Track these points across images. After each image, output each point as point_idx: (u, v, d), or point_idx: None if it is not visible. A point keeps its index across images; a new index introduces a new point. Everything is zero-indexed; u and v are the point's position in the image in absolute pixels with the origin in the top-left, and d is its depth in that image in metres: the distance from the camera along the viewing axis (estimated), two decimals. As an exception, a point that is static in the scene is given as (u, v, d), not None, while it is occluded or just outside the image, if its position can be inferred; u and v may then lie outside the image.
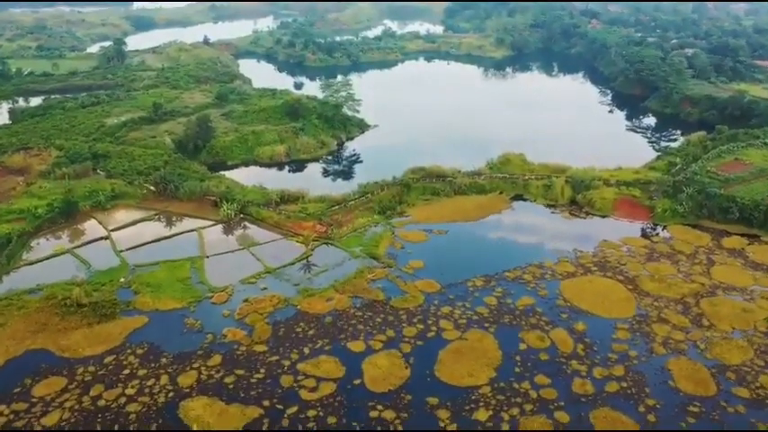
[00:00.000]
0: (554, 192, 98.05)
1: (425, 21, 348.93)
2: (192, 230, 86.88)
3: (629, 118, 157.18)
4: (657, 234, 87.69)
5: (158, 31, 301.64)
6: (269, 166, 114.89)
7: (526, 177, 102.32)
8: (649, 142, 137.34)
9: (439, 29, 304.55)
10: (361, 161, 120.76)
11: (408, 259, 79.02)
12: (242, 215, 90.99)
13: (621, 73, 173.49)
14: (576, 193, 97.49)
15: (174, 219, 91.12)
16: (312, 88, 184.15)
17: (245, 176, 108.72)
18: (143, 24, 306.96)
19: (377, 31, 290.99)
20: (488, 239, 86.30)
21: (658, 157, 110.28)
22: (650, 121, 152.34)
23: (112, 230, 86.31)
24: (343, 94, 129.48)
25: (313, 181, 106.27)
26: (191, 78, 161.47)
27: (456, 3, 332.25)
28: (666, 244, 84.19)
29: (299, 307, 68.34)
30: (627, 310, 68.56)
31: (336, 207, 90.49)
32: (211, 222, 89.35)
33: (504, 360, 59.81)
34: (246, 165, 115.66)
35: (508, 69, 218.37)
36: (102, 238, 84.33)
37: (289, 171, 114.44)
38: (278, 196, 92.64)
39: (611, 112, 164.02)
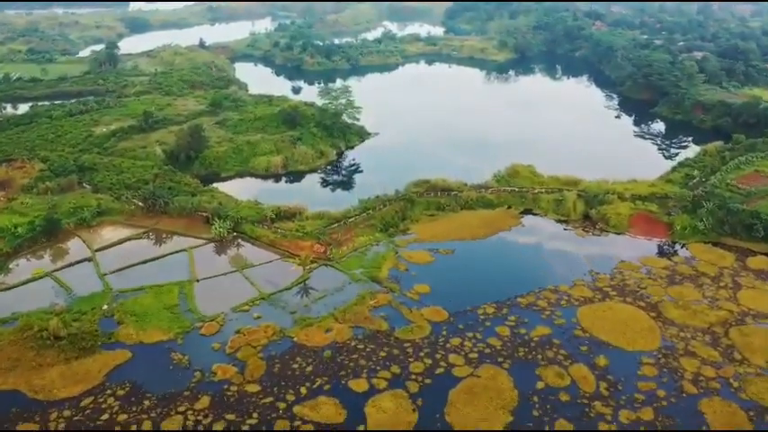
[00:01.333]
0: (566, 206, 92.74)
1: (425, 22, 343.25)
2: (182, 250, 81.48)
3: (637, 124, 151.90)
4: (677, 253, 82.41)
5: (154, 33, 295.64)
6: (265, 177, 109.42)
7: (536, 191, 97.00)
8: (659, 149, 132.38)
9: (439, 30, 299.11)
10: (361, 171, 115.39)
11: (413, 283, 73.69)
12: (235, 233, 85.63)
13: (629, 77, 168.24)
14: (589, 208, 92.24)
15: (163, 237, 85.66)
16: (310, 93, 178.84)
17: (240, 189, 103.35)
18: (138, 26, 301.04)
19: (376, 32, 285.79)
20: (498, 260, 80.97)
21: (674, 169, 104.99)
22: (660, 127, 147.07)
23: (97, 250, 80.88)
24: (343, 101, 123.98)
25: (311, 194, 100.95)
26: (184, 84, 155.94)
27: (457, 4, 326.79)
28: (688, 265, 78.88)
29: (295, 339, 62.99)
30: (651, 341, 63.28)
31: (336, 225, 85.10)
32: (203, 241, 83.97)
33: (521, 401, 54.51)
34: (241, 176, 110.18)
35: (511, 72, 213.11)
36: (85, 260, 78.86)
37: (286, 183, 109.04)
38: (273, 213, 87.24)
39: (618, 117, 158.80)
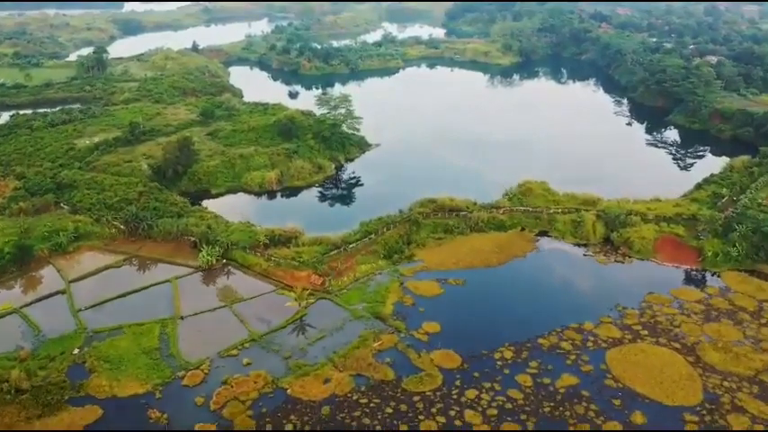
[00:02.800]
0: (584, 229, 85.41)
1: (426, 23, 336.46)
2: (166, 281, 74.01)
3: (650, 132, 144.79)
4: (710, 283, 75.01)
5: (147, 35, 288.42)
6: (258, 194, 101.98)
7: (551, 211, 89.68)
8: (674, 159, 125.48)
9: (440, 32, 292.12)
10: (361, 184, 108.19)
11: (421, 320, 66.30)
12: (225, 260, 78.20)
13: (642, 83, 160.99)
14: (610, 231, 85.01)
15: (146, 265, 78.18)
16: (308, 98, 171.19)
17: (231, 208, 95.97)
18: (131, 28, 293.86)
19: (376, 35, 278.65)
20: (514, 292, 73.48)
21: (699, 186, 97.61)
22: (675, 136, 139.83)
23: (72, 281, 73.40)
24: (342, 111, 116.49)
25: (308, 213, 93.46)
26: (175, 91, 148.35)
27: (457, 5, 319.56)
28: (723, 297, 71.54)
29: (289, 391, 55.58)
30: (692, 393, 55.94)
31: (335, 252, 77.63)
32: (189, 270, 76.49)
33: (551, 473, 47.28)
34: (233, 192, 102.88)
35: (515, 76, 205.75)
36: (58, 293, 71.38)
37: (281, 200, 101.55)
38: (267, 237, 79.74)
39: (629, 124, 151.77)
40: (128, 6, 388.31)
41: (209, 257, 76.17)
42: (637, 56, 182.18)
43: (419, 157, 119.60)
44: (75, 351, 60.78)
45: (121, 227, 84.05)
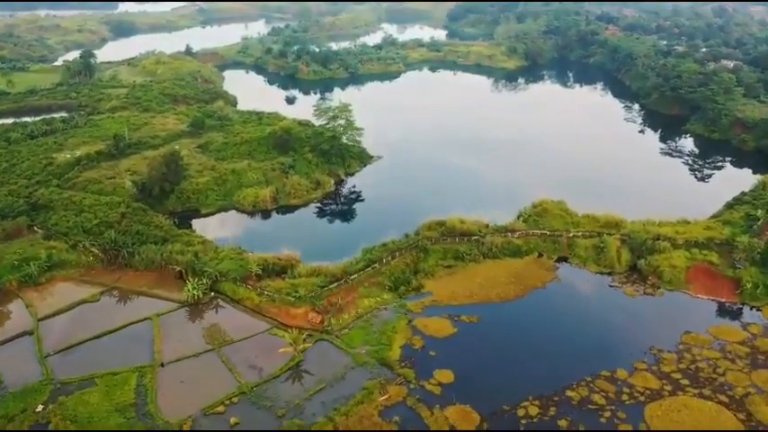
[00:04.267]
0: (608, 255, 77.91)
1: (426, 24, 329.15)
2: (147, 318, 66.39)
3: (664, 140, 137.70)
4: (752, 320, 67.59)
5: (141, 36, 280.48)
6: (252, 213, 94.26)
7: (571, 234, 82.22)
8: (693, 171, 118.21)
9: (441, 33, 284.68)
10: (362, 199, 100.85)
11: (432, 366, 58.85)
12: (213, 293, 70.67)
13: (656, 89, 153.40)
14: (637, 258, 77.60)
15: (125, 299, 70.54)
16: (306, 104, 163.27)
17: (222, 230, 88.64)
18: (124, 30, 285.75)
19: (376, 36, 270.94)
20: (535, 332, 65.75)
21: (730, 206, 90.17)
22: (691, 145, 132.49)
23: (42, 319, 65.87)
24: (342, 122, 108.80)
25: (305, 236, 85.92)
26: (165, 98, 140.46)
27: (459, 6, 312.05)
28: (769, 338, 64.19)
29: (283, 461, 48.11)
30: (748, 461, 48.57)
31: (335, 285, 70.00)
32: (173, 305, 68.86)
33: None
34: (225, 211, 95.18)
35: (522, 81, 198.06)
36: (25, 334, 63.78)
37: (276, 220, 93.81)
38: (260, 267, 72.12)
39: (641, 132, 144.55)
40: (122, 7, 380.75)
41: (194, 292, 68.56)
42: (648, 60, 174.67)
43: (423, 170, 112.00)
44: (39, 408, 53.26)
45: (100, 254, 76.39)
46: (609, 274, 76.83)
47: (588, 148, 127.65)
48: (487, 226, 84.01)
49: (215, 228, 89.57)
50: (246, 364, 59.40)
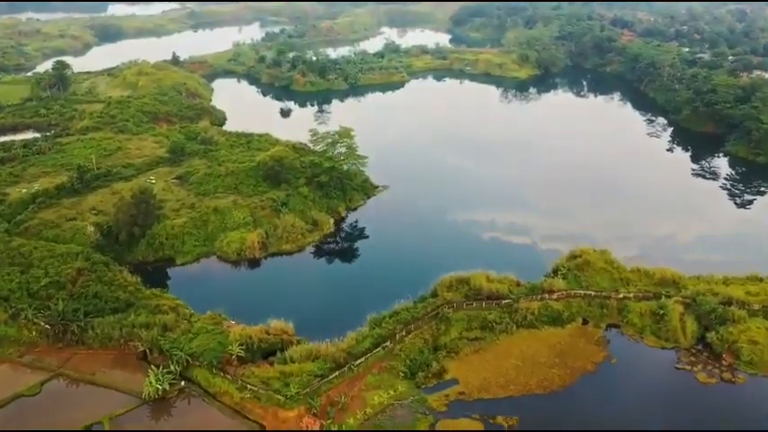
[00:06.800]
0: (670, 325, 63.83)
1: (428, 28, 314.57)
2: (97, 423, 52.06)
3: (696, 160, 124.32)
4: None
5: (127, 41, 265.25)
6: (236, 263, 79.76)
7: (621, 296, 68.11)
8: (740, 202, 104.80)
9: (444, 37, 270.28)
10: (367, 240, 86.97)
11: (465, 500, 44.69)
12: (184, 381, 56.41)
13: (687, 104, 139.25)
14: (704, 327, 63.58)
15: (72, 392, 56.19)
16: (302, 118, 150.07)
17: (200, 286, 74.57)
18: (110, 35, 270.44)
19: (375, 41, 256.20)
20: (593, 440, 51.75)
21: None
22: (727, 166, 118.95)
23: (-38, 424, 51.57)
24: (343, 149, 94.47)
25: (299, 296, 71.60)
26: (144, 116, 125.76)
27: (464, 9, 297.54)
28: None
29: None
30: None
31: (336, 374, 55.67)
32: (132, 401, 54.59)
33: None
34: (206, 258, 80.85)
35: (535, 91, 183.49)
36: (-66, 450, 49.60)
37: (265, 272, 79.12)
38: (242, 347, 57.79)
39: (669, 150, 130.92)
40: (110, 9, 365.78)
41: (158, 386, 54.19)
42: (674, 70, 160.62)
43: (435, 203, 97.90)
44: None
45: (46, 327, 62.00)
46: (673, 348, 62.72)
47: (616, 170, 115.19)
48: (518, 284, 69.98)
49: (192, 283, 75.38)
50: (221, 499, 45.26)
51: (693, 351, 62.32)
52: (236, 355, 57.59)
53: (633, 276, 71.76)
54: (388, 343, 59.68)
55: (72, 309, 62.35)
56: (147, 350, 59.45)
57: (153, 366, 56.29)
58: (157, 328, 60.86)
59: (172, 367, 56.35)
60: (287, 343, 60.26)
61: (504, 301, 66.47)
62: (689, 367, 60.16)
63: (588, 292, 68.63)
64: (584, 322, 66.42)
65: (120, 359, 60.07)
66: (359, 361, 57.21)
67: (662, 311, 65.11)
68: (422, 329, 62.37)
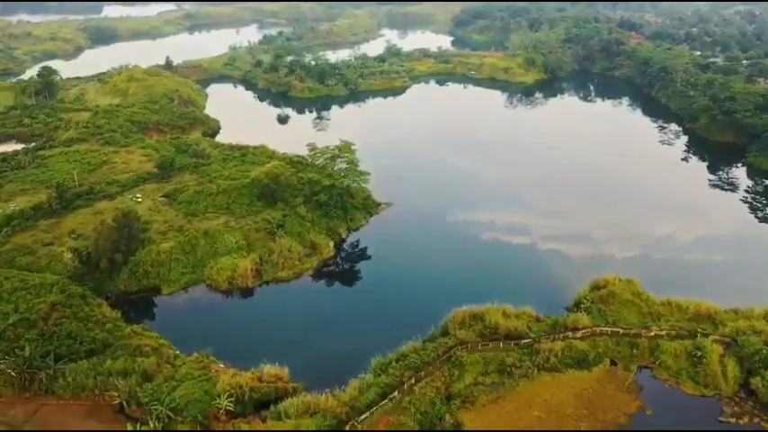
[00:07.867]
0: (709, 369, 57.25)
1: (429, 29, 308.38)
2: (63, 494, 45.51)
3: (715, 171, 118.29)
4: None
5: (121, 44, 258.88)
6: (227, 293, 73.05)
7: (652, 334, 61.58)
8: (751, 209, 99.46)
9: (446, 39, 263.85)
10: (369, 263, 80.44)
11: None
12: (165, 442, 49.84)
13: (704, 112, 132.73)
14: (747, 372, 57.06)
15: (37, 453, 49.67)
16: (300, 126, 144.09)
17: (186, 321, 68.20)
18: (104, 37, 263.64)
19: (376, 44, 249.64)
20: None
21: None
22: (747, 178, 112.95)
23: None
24: (343, 165, 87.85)
25: (296, 331, 64.94)
26: (133, 126, 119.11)
27: (466, 11, 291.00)
28: None
29: None
30: None
31: (338, 434, 49.18)
32: (105, 465, 48.04)
33: None
34: (194, 287, 74.01)
35: (541, 97, 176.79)
36: None
37: (258, 303, 72.39)
38: (231, 400, 51.16)
39: (685, 160, 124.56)
40: (105, 11, 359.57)
41: (134, 450, 47.65)
42: (688, 75, 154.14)
43: (444, 221, 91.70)
44: None
45: (12, 373, 55.32)
46: (714, 396, 56.16)
47: (631, 180, 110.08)
48: (538, 319, 63.54)
49: (178, 317, 68.79)
50: None
51: (737, 399, 55.78)
52: (225, 408, 51.10)
53: (664, 310, 65.27)
54: (395, 393, 53.09)
55: (41, 353, 55.75)
56: (125, 402, 52.88)
57: (130, 422, 49.75)
58: (136, 375, 54.26)
59: (151, 424, 49.84)
60: (281, 391, 53.77)
61: (523, 341, 59.97)
62: (733, 419, 53.69)
63: (616, 329, 62.12)
64: (613, 364, 59.81)
65: (95, 411, 53.40)
66: (363, 416, 50.56)
67: (699, 353, 58.65)
68: (433, 376, 55.72)
